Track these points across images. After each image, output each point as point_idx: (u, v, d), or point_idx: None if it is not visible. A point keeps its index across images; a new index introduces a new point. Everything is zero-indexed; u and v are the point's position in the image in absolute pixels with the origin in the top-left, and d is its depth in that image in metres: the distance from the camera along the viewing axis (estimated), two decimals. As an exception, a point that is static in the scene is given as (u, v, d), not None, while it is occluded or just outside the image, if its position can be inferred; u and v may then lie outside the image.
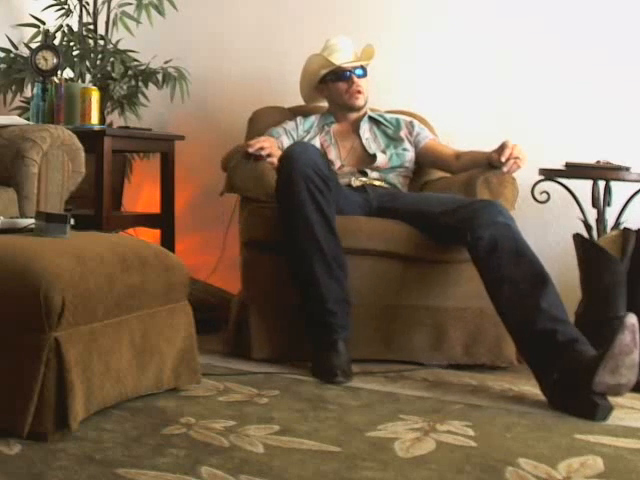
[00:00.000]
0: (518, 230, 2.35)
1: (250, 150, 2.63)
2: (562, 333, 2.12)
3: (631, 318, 1.98)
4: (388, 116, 3.01)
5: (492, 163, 2.63)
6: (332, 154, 2.87)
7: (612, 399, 2.07)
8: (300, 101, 3.17)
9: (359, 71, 2.91)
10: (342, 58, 2.92)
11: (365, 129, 2.95)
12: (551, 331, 2.12)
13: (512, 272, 2.23)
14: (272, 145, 2.70)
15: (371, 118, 2.98)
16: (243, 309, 2.60)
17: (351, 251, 2.49)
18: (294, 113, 3.12)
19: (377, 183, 2.80)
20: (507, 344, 2.51)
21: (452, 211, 2.44)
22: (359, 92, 2.91)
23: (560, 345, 2.10)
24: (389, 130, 2.95)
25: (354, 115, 2.97)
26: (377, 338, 2.55)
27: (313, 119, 3.00)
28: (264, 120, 3.09)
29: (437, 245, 2.53)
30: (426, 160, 2.96)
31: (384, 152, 2.89)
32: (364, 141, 2.92)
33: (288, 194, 2.42)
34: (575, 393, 2.04)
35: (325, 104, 3.09)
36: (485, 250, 2.29)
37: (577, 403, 2.03)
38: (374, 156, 2.86)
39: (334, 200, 2.47)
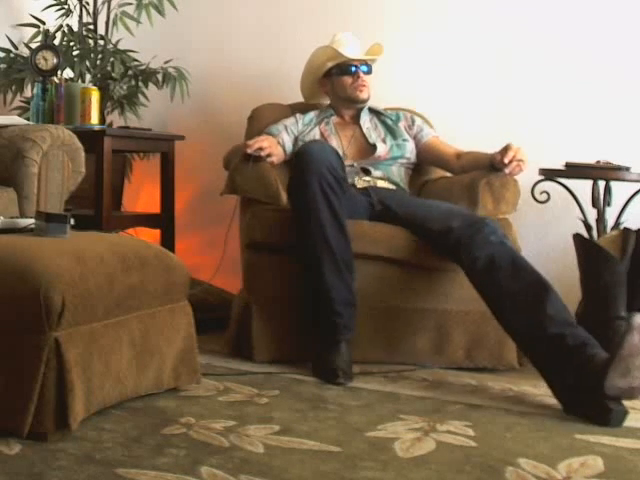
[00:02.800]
0: (513, 246, 2.34)
1: (249, 151, 2.61)
2: (572, 337, 2.09)
3: (639, 318, 1.95)
4: (388, 111, 3.02)
5: (494, 165, 2.63)
6: (333, 143, 2.85)
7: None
8: (300, 98, 3.17)
9: (365, 67, 2.91)
10: (351, 52, 2.92)
11: (365, 119, 2.95)
12: (561, 335, 2.10)
13: (513, 286, 2.21)
14: (272, 144, 2.69)
15: (371, 109, 2.99)
16: (245, 311, 2.59)
17: (356, 255, 2.48)
18: (294, 110, 3.11)
19: (380, 183, 2.79)
20: (508, 348, 2.50)
21: (447, 231, 2.40)
22: (364, 86, 2.90)
23: (571, 349, 2.08)
24: (389, 120, 2.95)
25: (354, 109, 2.96)
26: (379, 341, 2.55)
27: (312, 114, 2.99)
28: (264, 117, 3.08)
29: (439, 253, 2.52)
30: (427, 158, 2.95)
31: (384, 142, 2.89)
32: (364, 130, 2.92)
33: (301, 192, 2.40)
34: (589, 397, 2.01)
35: (325, 101, 3.08)
36: (483, 269, 2.28)
37: (591, 408, 2.00)
38: (374, 146, 2.86)
39: (346, 202, 2.47)
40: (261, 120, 3.07)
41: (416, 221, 2.54)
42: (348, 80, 2.91)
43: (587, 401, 2.01)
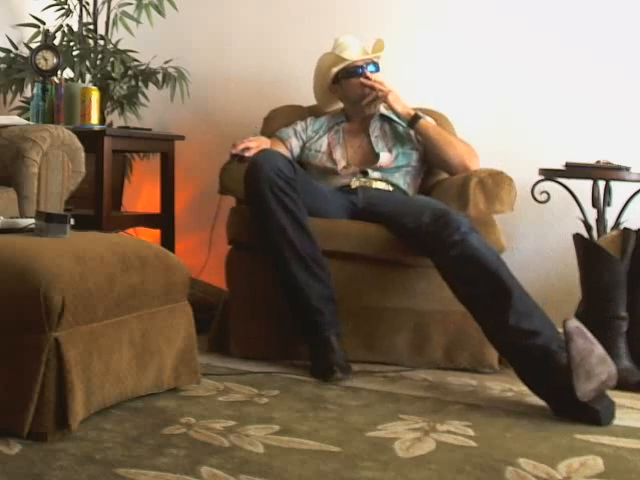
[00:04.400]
0: (476, 240, 2.29)
1: (233, 151, 2.65)
2: (534, 348, 2.08)
3: (571, 323, 1.96)
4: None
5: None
6: (337, 154, 2.85)
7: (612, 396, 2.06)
8: (308, 100, 3.15)
9: (371, 67, 2.89)
10: (353, 55, 2.90)
11: (375, 127, 2.92)
12: (523, 348, 2.10)
13: (476, 291, 2.22)
14: (260, 144, 2.69)
15: (382, 116, 2.96)
16: (225, 307, 2.63)
17: (332, 254, 2.49)
18: (311, 112, 3.10)
19: (377, 184, 2.78)
20: (490, 349, 2.45)
21: (418, 227, 2.40)
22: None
23: (535, 360, 2.08)
24: (400, 127, 2.93)
25: (369, 111, 2.94)
26: (358, 340, 2.53)
27: (323, 120, 2.98)
28: (280, 119, 3.07)
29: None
30: (431, 161, 2.93)
31: (390, 151, 2.87)
32: (372, 139, 2.89)
33: (256, 201, 2.43)
34: (571, 401, 1.98)
35: (340, 106, 3.06)
36: (449, 272, 2.31)
37: (578, 412, 1.99)
38: (378, 155, 2.85)
39: (307, 201, 2.48)
40: (277, 121, 3.07)
41: (394, 218, 2.54)
42: (357, 82, 2.89)
43: (571, 405, 1.99)
